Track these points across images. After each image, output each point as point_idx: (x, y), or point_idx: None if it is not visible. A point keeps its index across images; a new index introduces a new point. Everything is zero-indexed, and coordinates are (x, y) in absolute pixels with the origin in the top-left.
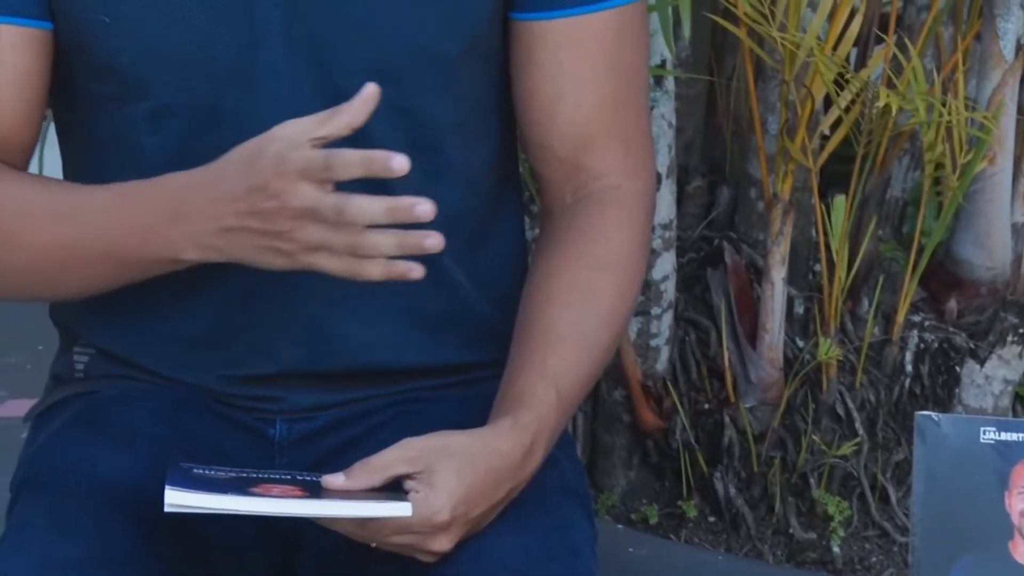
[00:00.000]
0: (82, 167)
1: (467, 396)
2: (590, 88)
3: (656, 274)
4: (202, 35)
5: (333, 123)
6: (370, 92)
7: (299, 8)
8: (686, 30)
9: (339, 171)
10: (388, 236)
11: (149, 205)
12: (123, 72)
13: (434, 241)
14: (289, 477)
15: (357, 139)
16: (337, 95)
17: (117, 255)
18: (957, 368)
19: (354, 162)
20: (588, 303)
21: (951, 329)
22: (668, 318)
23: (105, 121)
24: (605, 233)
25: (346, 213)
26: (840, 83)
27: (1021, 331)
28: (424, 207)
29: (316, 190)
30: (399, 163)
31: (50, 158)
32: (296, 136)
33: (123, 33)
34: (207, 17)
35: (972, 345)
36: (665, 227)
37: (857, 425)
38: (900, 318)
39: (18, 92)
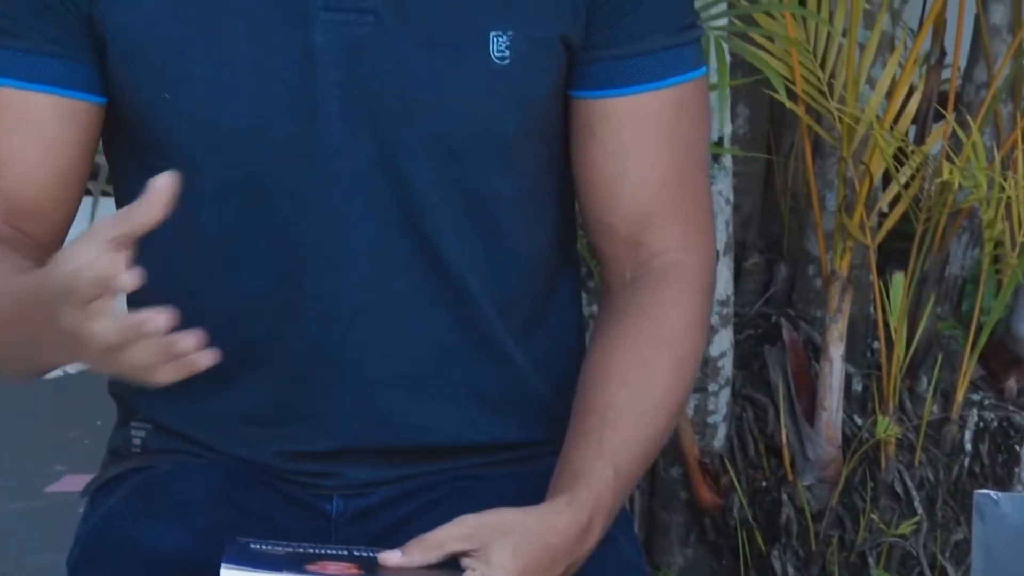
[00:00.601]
0: (139, 244)
1: (524, 473)
2: (651, 165)
3: (714, 351)
4: (262, 112)
5: (128, 223)
6: (165, 182)
7: (358, 85)
8: (742, 110)
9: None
10: (148, 348)
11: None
12: (182, 149)
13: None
14: (346, 553)
15: (416, 219)
16: (396, 171)
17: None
18: (1017, 447)
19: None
20: (645, 380)
21: (1011, 408)
22: (726, 395)
23: None
24: (663, 309)
25: (90, 339)
26: (899, 159)
27: None
28: (157, 320)
29: (79, 316)
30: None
31: None
32: (79, 259)
33: (183, 110)
34: (267, 94)
35: None
36: (723, 303)
37: (916, 504)
38: (959, 396)
39: (51, 165)
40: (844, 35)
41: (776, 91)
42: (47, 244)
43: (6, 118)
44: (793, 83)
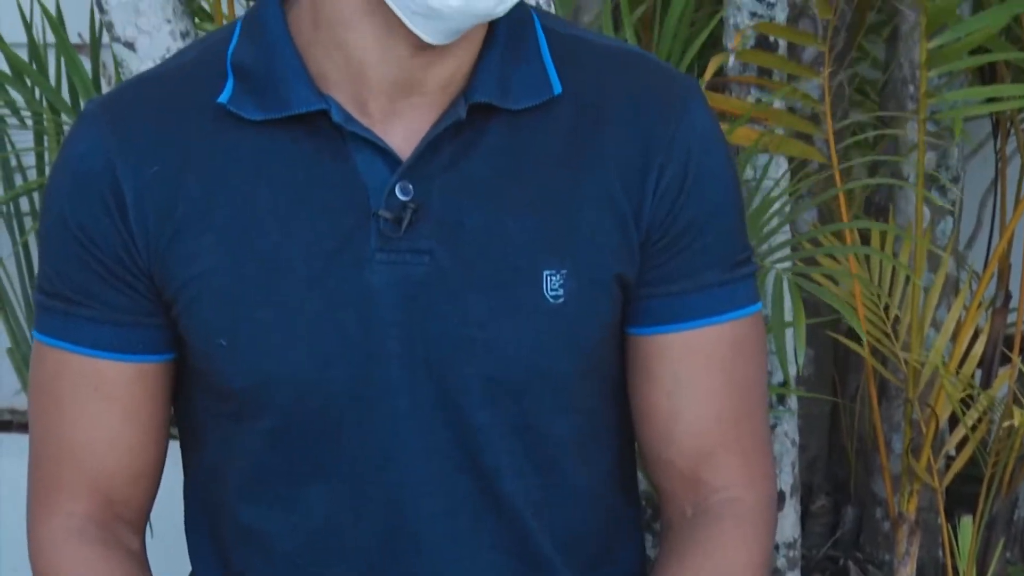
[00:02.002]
0: (202, 479)
1: None
2: (708, 402)
3: None
4: (319, 357)
5: None
6: None
7: (416, 328)
8: (800, 356)
9: None
10: None
11: None
12: (241, 394)
13: None
14: None
15: (476, 458)
16: (455, 410)
17: None
18: None
19: None
20: None
21: None
22: None
23: (225, 437)
24: (723, 549)
25: None
26: (965, 402)
27: None
28: None
29: None
30: None
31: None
32: None
33: (240, 357)
34: (324, 339)
35: None
36: (789, 546)
37: None
38: None
39: (131, 429)
40: (908, 279)
41: (840, 334)
42: (137, 513)
43: (78, 389)
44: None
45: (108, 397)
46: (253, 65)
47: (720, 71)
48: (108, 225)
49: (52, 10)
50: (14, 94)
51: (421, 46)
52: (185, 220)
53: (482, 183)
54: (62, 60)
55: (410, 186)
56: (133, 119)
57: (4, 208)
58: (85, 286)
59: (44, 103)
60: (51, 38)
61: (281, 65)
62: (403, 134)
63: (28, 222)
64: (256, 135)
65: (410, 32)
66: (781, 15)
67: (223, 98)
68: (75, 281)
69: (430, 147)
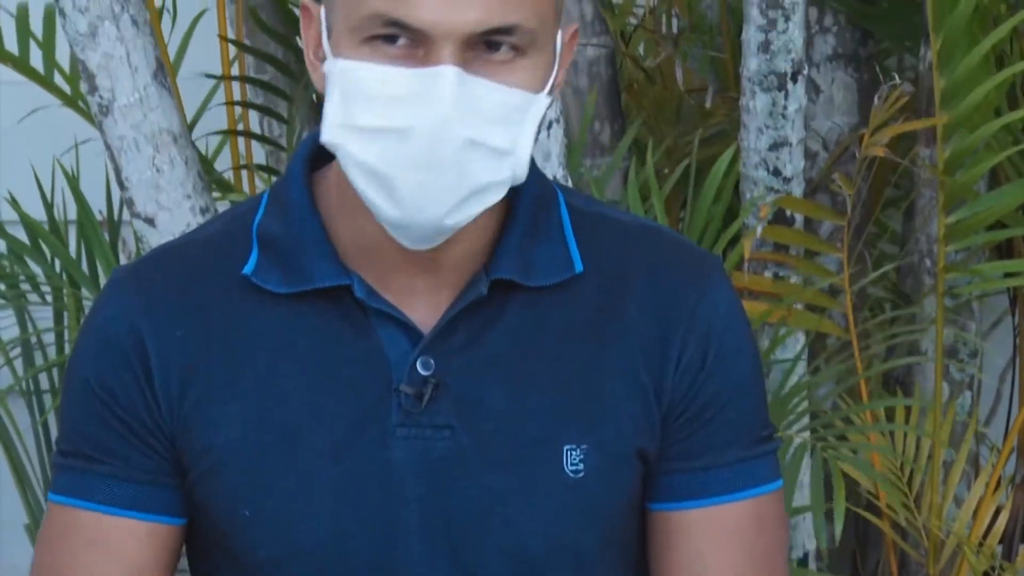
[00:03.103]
0: None
1: None
2: None
3: None
4: (340, 530)
5: None
6: None
7: (437, 503)
8: (822, 534)
9: None
10: None
11: None
12: (264, 564)
13: None
14: None
15: None
16: None
17: None
18: None
19: None
20: None
21: None
22: None
23: None
24: None
25: None
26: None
27: None
28: None
29: None
30: None
31: None
32: None
33: (263, 528)
34: (345, 512)
35: None
36: None
37: None
38: None
39: None
40: (930, 456)
41: (860, 507)
42: None
43: (84, 548)
44: (878, 498)
45: (113, 558)
46: (278, 237)
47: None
48: (132, 384)
49: (58, 184)
50: (34, 267)
51: None
52: (209, 388)
53: (502, 359)
54: (81, 237)
55: (431, 361)
56: (159, 286)
57: (25, 384)
58: (106, 443)
59: (64, 277)
60: (71, 214)
61: (306, 238)
62: (425, 308)
63: (48, 400)
64: (280, 307)
65: None
66: (797, 190)
67: (247, 270)
68: (96, 439)
69: (451, 323)
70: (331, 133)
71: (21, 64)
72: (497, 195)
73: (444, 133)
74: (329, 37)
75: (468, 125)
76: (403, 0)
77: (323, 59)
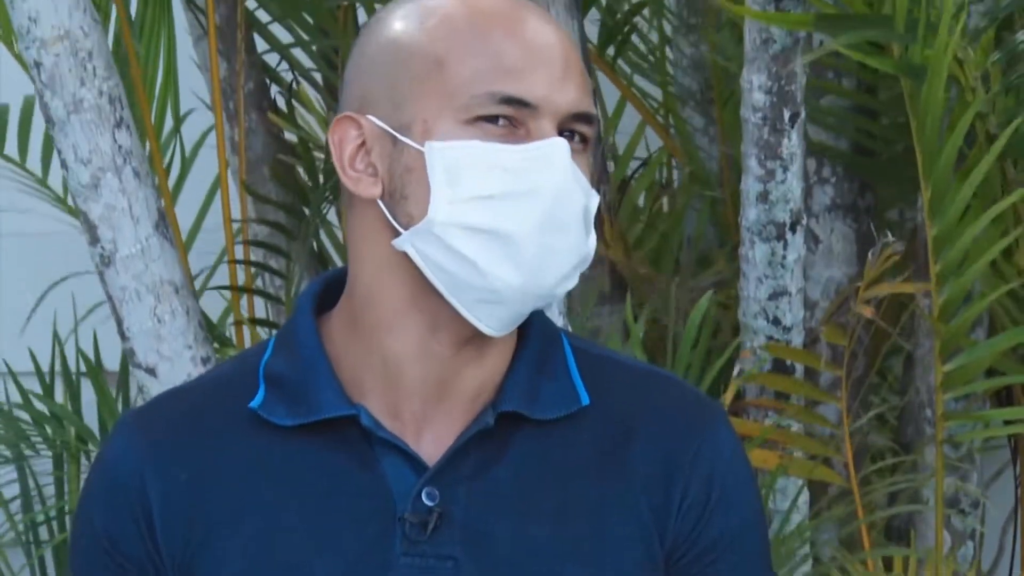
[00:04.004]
0: None
1: None
2: None
3: None
4: None
5: None
6: None
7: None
8: None
9: None
10: None
11: None
12: None
13: None
14: None
15: None
16: None
17: None
18: None
19: None
20: None
21: None
22: None
23: None
24: None
25: None
26: None
27: None
28: None
29: None
30: None
31: None
32: None
33: None
34: None
35: None
36: None
37: None
38: None
39: None
40: None
41: None
42: None
43: None
44: None
45: None
46: (285, 374)
47: (738, 395)
48: (134, 534)
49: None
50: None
51: (463, 342)
52: (213, 526)
53: (508, 491)
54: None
55: (436, 492)
56: (165, 427)
57: (23, 536)
58: None
59: (72, 433)
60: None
61: (313, 374)
62: (431, 439)
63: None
64: (286, 441)
65: (456, 327)
66: (797, 339)
67: (254, 404)
68: None
69: (457, 454)
70: (439, 211)
71: None
72: (578, 276)
73: (566, 196)
74: (406, 131)
75: (581, 192)
76: (517, 79)
77: (369, 166)
